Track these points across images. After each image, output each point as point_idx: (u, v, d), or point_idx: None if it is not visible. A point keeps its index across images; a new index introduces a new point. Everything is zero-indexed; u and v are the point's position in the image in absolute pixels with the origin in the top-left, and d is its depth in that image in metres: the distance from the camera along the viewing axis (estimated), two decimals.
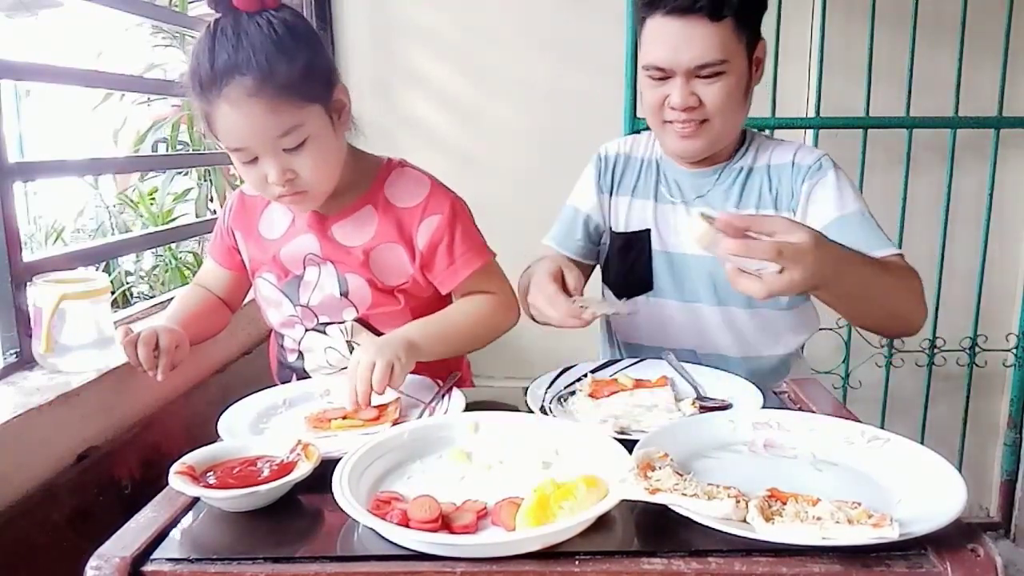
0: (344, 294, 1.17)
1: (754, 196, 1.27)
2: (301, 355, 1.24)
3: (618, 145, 1.41)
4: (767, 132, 1.99)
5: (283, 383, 1.26)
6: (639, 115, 1.88)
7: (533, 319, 1.30)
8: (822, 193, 1.21)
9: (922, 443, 0.81)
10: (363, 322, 1.19)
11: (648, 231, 1.33)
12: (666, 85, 1.19)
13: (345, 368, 1.20)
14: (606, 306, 1.15)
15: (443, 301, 1.21)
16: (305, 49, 1.01)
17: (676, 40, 1.15)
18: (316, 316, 1.20)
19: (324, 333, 1.21)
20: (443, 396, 1.06)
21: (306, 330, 1.22)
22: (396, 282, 1.17)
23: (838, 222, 1.18)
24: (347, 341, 1.20)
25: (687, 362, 1.19)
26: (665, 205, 1.33)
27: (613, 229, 1.38)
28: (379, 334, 1.19)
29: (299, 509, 0.79)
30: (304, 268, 1.18)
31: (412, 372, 1.18)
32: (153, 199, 3.74)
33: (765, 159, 1.28)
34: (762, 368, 1.31)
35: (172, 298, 1.33)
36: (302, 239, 1.18)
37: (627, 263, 1.34)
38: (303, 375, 1.25)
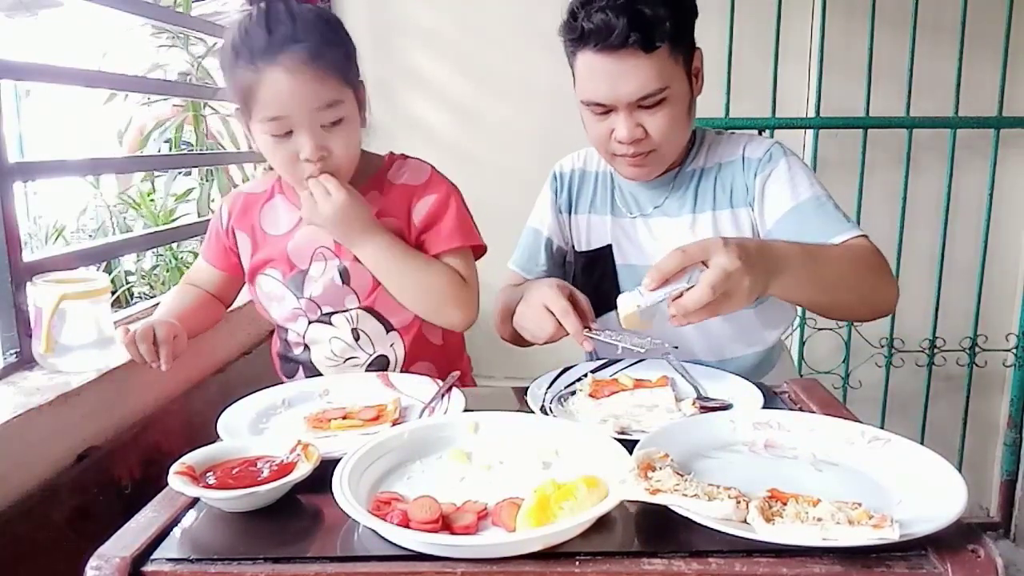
0: (345, 281, 1.19)
1: (708, 199, 1.25)
2: (307, 347, 1.25)
3: (572, 161, 1.40)
4: (767, 132, 2.00)
5: (289, 377, 1.27)
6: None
7: (512, 340, 1.29)
8: (774, 187, 1.20)
9: (922, 443, 0.81)
10: (369, 310, 1.21)
11: (609, 247, 1.32)
12: (610, 118, 1.17)
13: (350, 359, 1.22)
14: (623, 338, 1.07)
15: None
16: (347, 39, 1.13)
17: (612, 76, 1.12)
18: (319, 307, 1.21)
19: (329, 323, 1.22)
20: (443, 396, 1.06)
21: (309, 322, 1.22)
22: None
23: (793, 212, 1.17)
24: (353, 329, 1.21)
25: (687, 362, 1.19)
26: (623, 219, 1.32)
27: (576, 249, 1.37)
28: (385, 323, 1.22)
29: (299, 509, 0.79)
30: (311, 263, 1.20)
31: (412, 372, 1.19)
32: (153, 199, 3.75)
33: (716, 158, 1.27)
34: (742, 368, 1.29)
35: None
36: (310, 231, 1.19)
37: (592, 281, 1.33)
38: (310, 367, 1.26)
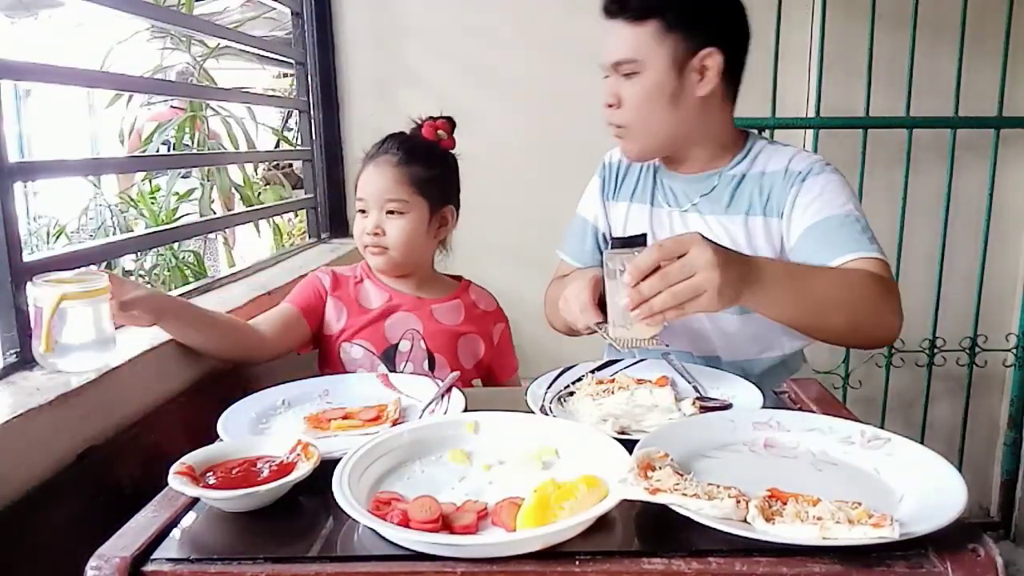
0: (431, 368, 1.32)
1: (744, 203, 1.25)
2: None
3: (620, 151, 1.40)
4: (767, 132, 2.00)
5: None
6: None
7: (563, 331, 1.33)
8: (804, 200, 1.19)
9: (922, 443, 0.81)
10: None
11: (644, 235, 1.32)
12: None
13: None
14: (631, 333, 1.02)
15: None
16: (442, 166, 1.37)
17: (605, 39, 1.23)
18: None
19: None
20: (443, 396, 1.06)
21: None
22: (470, 364, 1.37)
23: (816, 227, 1.16)
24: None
25: (687, 362, 1.19)
26: (660, 210, 1.33)
27: (612, 234, 1.39)
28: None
29: (299, 509, 0.79)
30: (400, 339, 1.33)
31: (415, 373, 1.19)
32: (155, 199, 3.74)
33: (761, 166, 1.26)
34: (753, 371, 1.29)
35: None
36: (405, 316, 1.35)
37: None
38: None
